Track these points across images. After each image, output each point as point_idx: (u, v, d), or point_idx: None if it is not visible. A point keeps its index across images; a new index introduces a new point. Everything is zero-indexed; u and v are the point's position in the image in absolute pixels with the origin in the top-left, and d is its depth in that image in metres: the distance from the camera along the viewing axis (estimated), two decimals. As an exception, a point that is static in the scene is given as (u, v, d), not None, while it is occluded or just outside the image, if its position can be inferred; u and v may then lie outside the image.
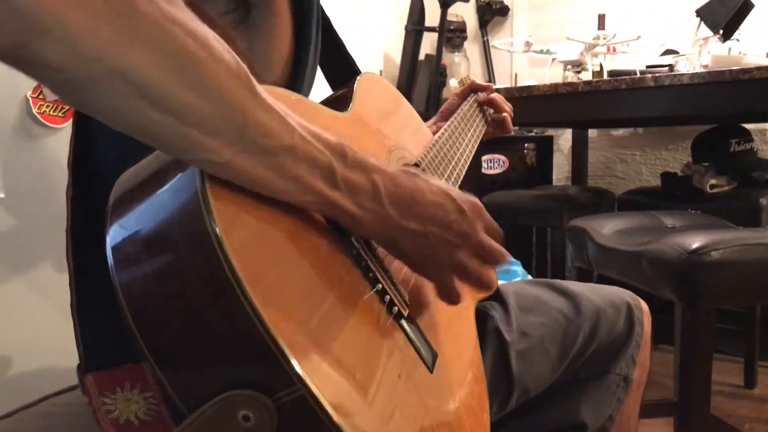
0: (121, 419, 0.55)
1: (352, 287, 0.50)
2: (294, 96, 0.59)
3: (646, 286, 1.28)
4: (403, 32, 2.91)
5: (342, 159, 0.49)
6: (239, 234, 0.42)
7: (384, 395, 0.47)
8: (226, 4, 0.62)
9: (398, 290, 0.56)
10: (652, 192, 2.41)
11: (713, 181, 2.22)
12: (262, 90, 0.45)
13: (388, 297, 0.53)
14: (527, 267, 1.96)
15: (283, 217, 0.47)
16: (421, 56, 2.95)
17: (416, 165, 0.77)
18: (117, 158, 0.51)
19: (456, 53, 3.18)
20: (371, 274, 0.53)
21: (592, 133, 2.92)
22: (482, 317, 0.80)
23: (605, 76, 2.24)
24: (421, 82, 2.92)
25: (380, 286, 0.53)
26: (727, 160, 2.24)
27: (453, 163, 0.87)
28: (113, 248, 0.45)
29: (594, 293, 0.90)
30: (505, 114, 1.13)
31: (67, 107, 1.16)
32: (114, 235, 0.45)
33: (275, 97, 0.47)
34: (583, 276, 1.57)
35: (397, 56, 2.98)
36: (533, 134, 2.88)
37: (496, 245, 0.58)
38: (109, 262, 0.44)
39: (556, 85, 1.96)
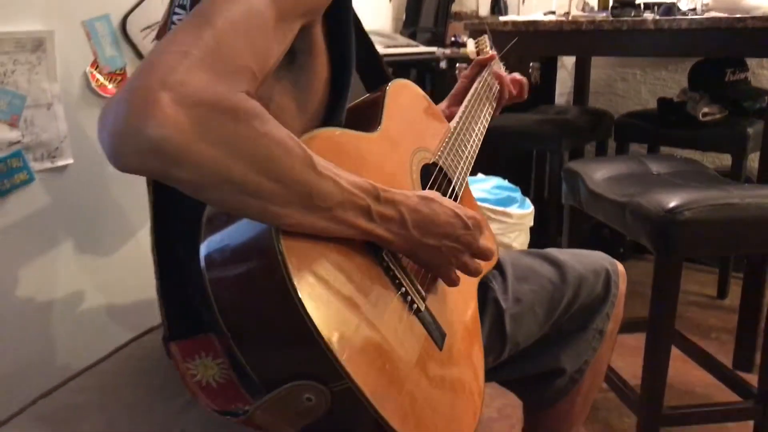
0: (203, 382, 0.73)
1: (382, 291, 0.68)
2: (338, 131, 0.74)
3: (628, 233, 1.46)
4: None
5: (376, 199, 0.66)
6: (299, 253, 0.59)
7: (410, 380, 0.66)
8: None
9: (417, 289, 0.74)
10: (648, 116, 2.52)
11: (706, 109, 2.33)
12: (319, 160, 0.60)
13: (409, 297, 0.72)
14: (526, 193, 2.12)
15: (331, 241, 0.64)
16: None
17: (434, 164, 0.93)
18: None
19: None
20: (397, 281, 0.71)
21: (595, 50, 2.97)
22: (483, 288, 0.99)
23: (611, 3, 2.29)
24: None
25: (404, 289, 0.71)
26: (720, 89, 2.34)
27: (467, 151, 1.02)
28: (205, 257, 0.61)
29: (579, 261, 1.08)
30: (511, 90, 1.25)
31: (119, 78, 1.28)
32: (206, 246, 0.62)
33: (325, 142, 0.65)
34: (575, 214, 1.74)
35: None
36: (538, 52, 2.93)
37: (489, 248, 0.78)
38: (201, 266, 0.61)
39: (561, 23, 2.03)
